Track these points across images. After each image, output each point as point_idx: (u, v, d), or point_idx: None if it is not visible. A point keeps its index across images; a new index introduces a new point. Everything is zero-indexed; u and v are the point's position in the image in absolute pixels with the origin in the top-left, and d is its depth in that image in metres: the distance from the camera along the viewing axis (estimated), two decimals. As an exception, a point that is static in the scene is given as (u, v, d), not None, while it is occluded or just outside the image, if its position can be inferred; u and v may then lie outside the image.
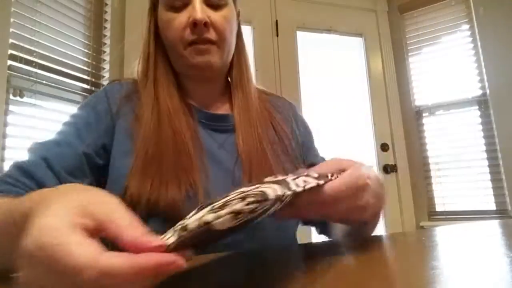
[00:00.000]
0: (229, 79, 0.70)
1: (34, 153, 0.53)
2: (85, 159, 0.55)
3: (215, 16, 0.60)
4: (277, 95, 0.77)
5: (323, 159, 0.73)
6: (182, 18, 0.59)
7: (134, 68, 0.66)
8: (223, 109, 0.67)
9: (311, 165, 0.66)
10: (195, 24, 0.58)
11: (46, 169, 0.50)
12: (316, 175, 0.37)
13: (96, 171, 0.56)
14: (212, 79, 0.66)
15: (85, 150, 0.55)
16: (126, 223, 0.24)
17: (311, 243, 0.50)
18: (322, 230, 0.67)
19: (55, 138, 0.56)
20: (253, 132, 0.61)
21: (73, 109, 0.62)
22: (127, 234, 0.23)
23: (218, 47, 0.61)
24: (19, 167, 0.50)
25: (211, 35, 0.60)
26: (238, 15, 0.69)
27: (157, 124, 0.57)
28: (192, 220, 0.24)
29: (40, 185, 0.48)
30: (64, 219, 0.23)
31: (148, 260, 0.22)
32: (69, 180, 0.51)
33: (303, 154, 0.70)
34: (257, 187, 0.27)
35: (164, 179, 0.52)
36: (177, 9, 0.60)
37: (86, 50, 1.70)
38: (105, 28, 1.79)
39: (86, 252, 0.21)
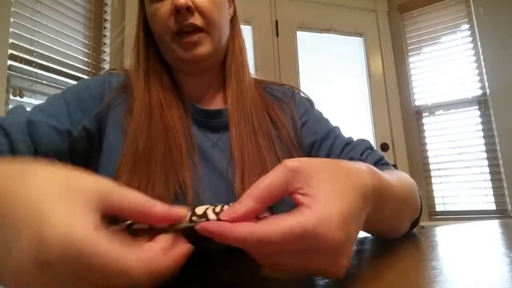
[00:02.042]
0: (224, 69, 0.67)
1: (18, 113, 0.50)
2: (67, 138, 0.51)
3: (200, 0, 0.57)
4: (279, 83, 0.73)
5: (337, 129, 0.66)
6: (165, 7, 0.57)
7: (127, 63, 0.66)
8: (217, 103, 0.65)
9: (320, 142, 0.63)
10: (178, 11, 0.55)
11: (25, 136, 0.47)
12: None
13: (73, 154, 0.52)
14: (205, 70, 0.63)
15: (71, 129, 0.52)
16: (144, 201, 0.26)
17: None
18: None
19: (42, 107, 0.53)
20: (247, 126, 0.59)
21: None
22: (156, 210, 0.26)
23: (207, 33, 0.58)
24: None
25: (197, 20, 0.56)
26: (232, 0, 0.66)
27: (147, 119, 0.56)
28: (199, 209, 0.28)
29: (13, 148, 0.45)
30: (85, 221, 0.22)
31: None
32: (43, 158, 0.47)
33: (306, 136, 0.65)
34: None
35: (152, 177, 0.50)
36: None
37: (86, 50, 1.70)
38: (105, 28, 1.79)
39: (131, 255, 0.23)
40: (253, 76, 0.69)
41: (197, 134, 0.59)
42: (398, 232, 0.48)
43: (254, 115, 0.60)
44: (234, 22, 0.67)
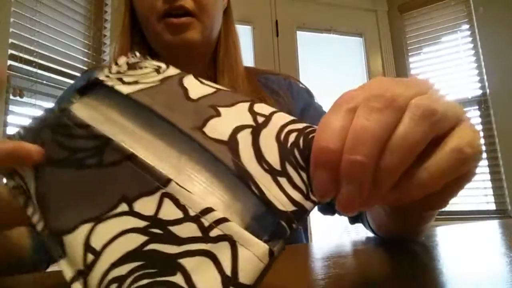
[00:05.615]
0: (215, 63, 0.62)
1: None
2: None
3: None
4: (275, 72, 0.70)
5: None
6: None
7: (110, 52, 0.64)
8: None
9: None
10: None
11: None
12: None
13: None
14: (194, 60, 0.59)
15: None
16: None
17: (309, 243, 0.50)
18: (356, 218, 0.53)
19: None
20: None
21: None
22: None
23: (198, 19, 0.54)
24: None
25: (187, 2, 0.52)
26: None
27: None
28: None
29: None
30: None
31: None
32: None
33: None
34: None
35: None
36: None
37: (86, 50, 1.70)
38: (105, 28, 1.79)
39: None
40: (246, 66, 0.65)
41: None
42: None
43: None
44: (227, 15, 0.63)
